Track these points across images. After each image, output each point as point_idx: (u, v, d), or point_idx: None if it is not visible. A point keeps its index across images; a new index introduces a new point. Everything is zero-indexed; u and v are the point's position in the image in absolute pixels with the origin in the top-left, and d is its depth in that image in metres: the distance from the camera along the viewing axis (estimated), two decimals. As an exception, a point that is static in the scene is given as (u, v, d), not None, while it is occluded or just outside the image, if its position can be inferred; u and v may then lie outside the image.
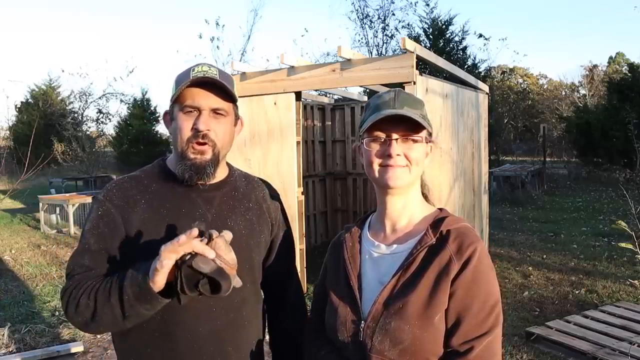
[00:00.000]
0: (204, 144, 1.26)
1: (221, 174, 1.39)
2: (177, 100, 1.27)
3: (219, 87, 1.27)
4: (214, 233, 1.10)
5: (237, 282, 1.13)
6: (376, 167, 1.15)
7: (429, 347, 1.06)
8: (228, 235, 1.14)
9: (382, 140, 1.14)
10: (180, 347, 1.26)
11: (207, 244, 1.08)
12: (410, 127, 1.13)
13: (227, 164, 1.45)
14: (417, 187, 1.21)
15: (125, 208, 1.27)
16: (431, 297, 1.07)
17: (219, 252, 1.08)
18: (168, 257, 1.05)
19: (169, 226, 1.27)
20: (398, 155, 1.12)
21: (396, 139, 1.13)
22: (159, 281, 1.08)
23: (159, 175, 1.35)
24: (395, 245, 1.18)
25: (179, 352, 1.27)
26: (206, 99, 1.26)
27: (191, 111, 1.26)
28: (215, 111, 1.28)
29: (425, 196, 1.25)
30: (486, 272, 1.09)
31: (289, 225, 1.55)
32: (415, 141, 1.14)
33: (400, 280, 1.11)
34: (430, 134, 1.19)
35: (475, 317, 1.05)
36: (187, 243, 1.05)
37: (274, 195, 1.51)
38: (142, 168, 1.41)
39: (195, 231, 1.07)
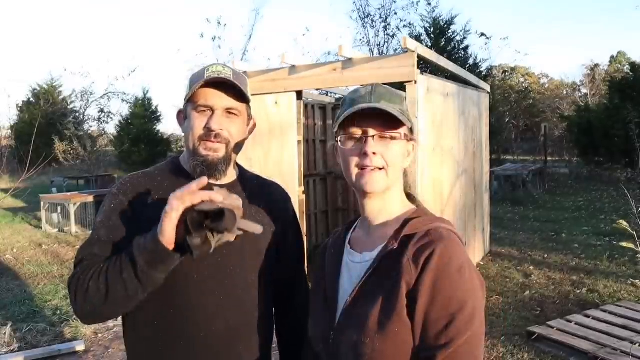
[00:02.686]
0: (218, 142, 1.27)
1: (232, 175, 1.39)
2: (191, 100, 1.29)
3: (233, 87, 1.27)
4: (215, 187, 1.11)
5: (255, 228, 1.13)
6: (354, 171, 1.07)
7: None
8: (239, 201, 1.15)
9: (358, 137, 1.07)
10: (194, 346, 1.26)
11: None
12: (388, 122, 1.06)
13: (238, 165, 1.45)
14: (397, 189, 1.13)
15: (137, 202, 1.29)
16: (389, 308, 0.99)
17: (222, 198, 1.08)
18: (176, 205, 1.06)
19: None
20: (374, 154, 1.05)
21: (372, 136, 1.05)
22: (168, 232, 1.09)
23: (171, 172, 1.37)
24: (365, 252, 1.11)
25: (193, 351, 1.27)
26: (219, 99, 1.27)
27: (204, 110, 1.27)
28: (228, 111, 1.29)
29: (409, 195, 1.18)
30: (448, 275, 0.97)
31: (300, 228, 1.54)
32: (393, 138, 1.06)
33: (361, 290, 1.05)
34: (411, 131, 1.11)
35: (434, 327, 0.96)
36: (195, 192, 1.06)
37: (285, 198, 1.50)
38: (156, 165, 1.42)
39: (205, 180, 1.09)
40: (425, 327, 0.97)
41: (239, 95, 1.29)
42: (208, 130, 1.26)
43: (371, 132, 1.06)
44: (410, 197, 1.18)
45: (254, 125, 1.41)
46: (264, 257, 1.37)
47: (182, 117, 1.36)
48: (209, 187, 1.11)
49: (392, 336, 0.98)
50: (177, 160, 1.40)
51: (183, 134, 1.36)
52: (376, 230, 1.12)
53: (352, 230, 1.22)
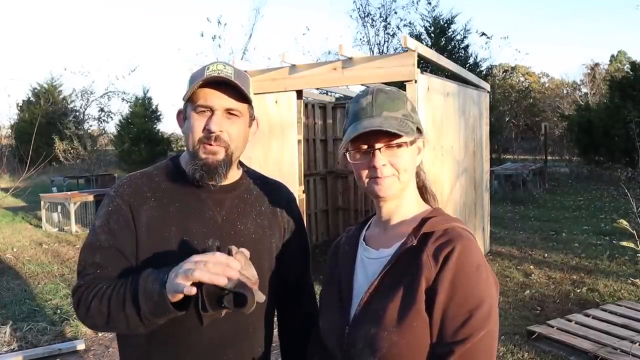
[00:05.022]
0: (217, 145, 1.23)
1: (234, 175, 1.36)
2: (191, 100, 1.24)
3: (233, 87, 1.23)
4: (233, 249, 1.08)
5: (260, 297, 1.09)
6: (365, 180, 1.11)
7: (408, 354, 1.00)
8: (246, 252, 1.12)
9: (365, 150, 1.09)
10: (183, 353, 1.25)
11: None
12: (393, 133, 1.07)
13: (242, 164, 1.42)
14: (411, 188, 1.16)
15: (135, 204, 1.26)
16: (408, 303, 1.01)
17: (240, 267, 1.05)
18: (195, 276, 1.00)
19: (177, 225, 1.26)
20: (384, 165, 1.07)
21: (379, 149, 1.07)
22: (177, 297, 1.06)
23: (171, 173, 1.34)
24: (381, 249, 1.13)
25: (182, 358, 1.25)
26: (219, 99, 1.22)
27: (204, 111, 1.23)
28: (228, 111, 1.24)
29: (423, 195, 1.20)
30: (467, 273, 1.00)
31: (304, 229, 1.51)
32: (399, 146, 1.08)
33: (379, 285, 1.07)
34: (419, 131, 1.13)
35: (451, 323, 0.98)
36: (217, 265, 1.02)
37: (290, 200, 1.47)
38: (156, 164, 1.39)
39: (223, 256, 1.04)
40: (443, 323, 0.99)
41: (240, 95, 1.24)
42: (208, 132, 1.22)
43: (377, 145, 1.08)
44: (424, 197, 1.21)
45: (257, 127, 1.37)
46: (266, 259, 1.35)
47: (182, 117, 1.32)
48: (225, 250, 1.07)
49: (410, 331, 1.00)
50: (177, 160, 1.37)
51: (183, 135, 1.32)
52: (393, 228, 1.15)
53: (366, 227, 1.24)
